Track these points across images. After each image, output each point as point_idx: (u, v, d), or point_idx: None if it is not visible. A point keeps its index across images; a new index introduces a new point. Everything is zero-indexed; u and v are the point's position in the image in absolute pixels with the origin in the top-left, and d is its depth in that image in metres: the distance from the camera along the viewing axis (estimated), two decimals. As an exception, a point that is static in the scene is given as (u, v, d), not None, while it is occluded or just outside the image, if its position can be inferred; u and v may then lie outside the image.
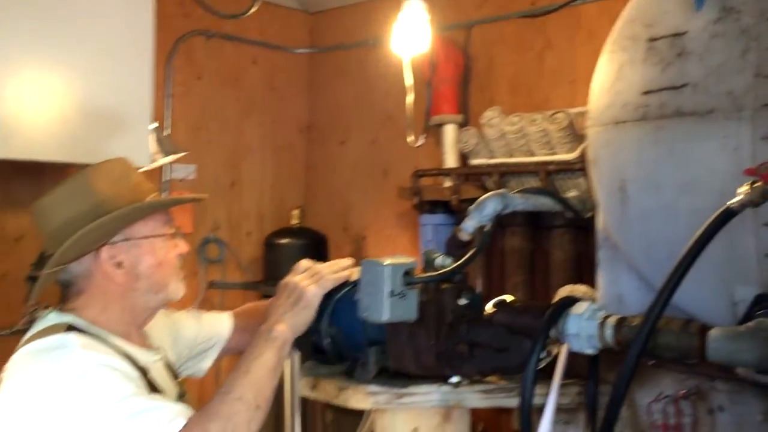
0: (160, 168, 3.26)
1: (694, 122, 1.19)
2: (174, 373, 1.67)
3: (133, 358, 1.48)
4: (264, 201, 3.72)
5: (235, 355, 1.74)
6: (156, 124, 2.78)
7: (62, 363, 1.38)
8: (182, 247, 1.61)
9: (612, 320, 1.16)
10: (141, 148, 2.60)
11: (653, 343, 1.09)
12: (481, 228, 1.43)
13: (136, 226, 1.54)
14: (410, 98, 2.90)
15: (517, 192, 1.44)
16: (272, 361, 1.39)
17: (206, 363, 1.83)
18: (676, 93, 1.21)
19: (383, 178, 3.47)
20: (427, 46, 2.73)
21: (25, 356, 1.43)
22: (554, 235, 2.60)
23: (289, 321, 1.43)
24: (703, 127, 1.18)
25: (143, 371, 1.48)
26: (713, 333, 1.05)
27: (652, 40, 1.25)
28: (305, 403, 3.34)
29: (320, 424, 3.42)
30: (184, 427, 1.30)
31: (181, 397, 1.61)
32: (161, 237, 1.56)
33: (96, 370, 1.37)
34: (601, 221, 1.48)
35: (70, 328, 1.45)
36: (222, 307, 3.55)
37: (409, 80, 2.86)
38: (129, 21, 2.61)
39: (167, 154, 2.80)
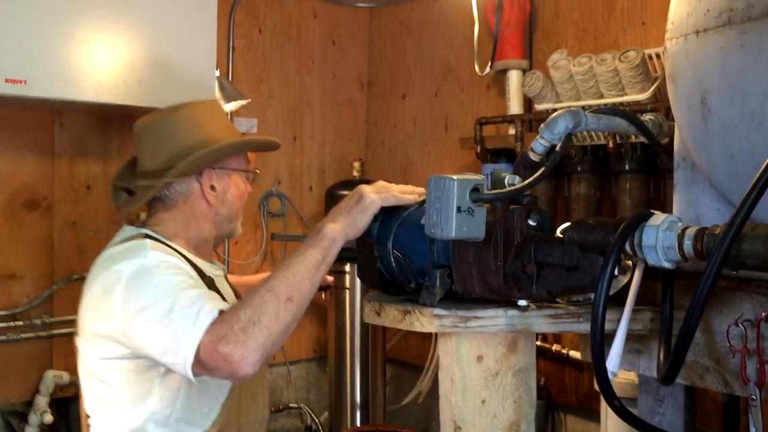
0: (224, 120, 3.30)
1: (784, 25, 1.12)
2: (236, 291, 1.78)
3: (200, 269, 1.58)
4: (325, 156, 3.73)
5: None
6: (218, 72, 2.80)
7: (137, 260, 1.51)
8: (250, 187, 1.80)
9: (692, 231, 1.11)
10: (206, 94, 2.62)
11: (737, 250, 1.04)
12: (552, 147, 1.38)
13: (230, 159, 1.72)
14: (476, 29, 2.87)
15: (591, 111, 1.39)
16: (315, 259, 1.42)
17: None
18: (764, -6, 1.14)
19: (444, 132, 3.43)
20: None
21: (105, 259, 1.58)
22: (621, 182, 2.52)
23: (343, 221, 1.44)
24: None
25: (210, 281, 1.58)
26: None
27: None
28: (365, 357, 3.37)
29: (380, 378, 3.44)
30: (219, 314, 1.39)
31: None
32: (244, 173, 1.75)
33: (162, 265, 1.50)
34: (678, 141, 1.42)
35: (147, 236, 1.61)
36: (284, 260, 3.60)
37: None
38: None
39: (230, 100, 2.81)
